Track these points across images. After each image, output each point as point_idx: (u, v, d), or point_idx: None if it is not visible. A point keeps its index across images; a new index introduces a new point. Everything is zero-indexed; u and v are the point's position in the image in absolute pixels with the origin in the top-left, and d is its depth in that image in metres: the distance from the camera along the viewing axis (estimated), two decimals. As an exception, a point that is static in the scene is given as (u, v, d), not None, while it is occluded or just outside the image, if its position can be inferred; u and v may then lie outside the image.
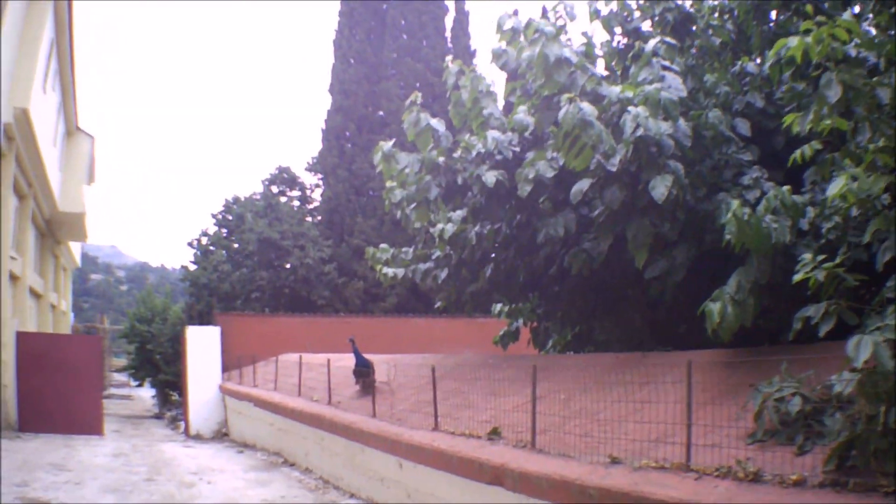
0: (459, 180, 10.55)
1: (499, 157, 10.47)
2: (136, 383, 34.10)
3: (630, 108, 8.25)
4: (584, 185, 8.95)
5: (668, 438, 6.20)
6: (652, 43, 9.54)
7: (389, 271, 14.38)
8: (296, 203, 33.44)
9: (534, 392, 7.43)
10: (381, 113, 33.12)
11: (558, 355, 12.59)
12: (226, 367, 20.89)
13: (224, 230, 30.82)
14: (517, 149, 10.62)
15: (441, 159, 10.72)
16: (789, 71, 8.78)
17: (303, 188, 34.34)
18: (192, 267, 29.76)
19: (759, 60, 10.24)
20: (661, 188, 7.89)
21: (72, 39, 21.69)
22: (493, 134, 10.54)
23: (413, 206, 11.32)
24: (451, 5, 35.31)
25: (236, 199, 31.38)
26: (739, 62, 10.07)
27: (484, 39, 73.06)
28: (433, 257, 14.42)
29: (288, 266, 29.35)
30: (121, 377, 39.04)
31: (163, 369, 26.96)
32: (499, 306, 17.46)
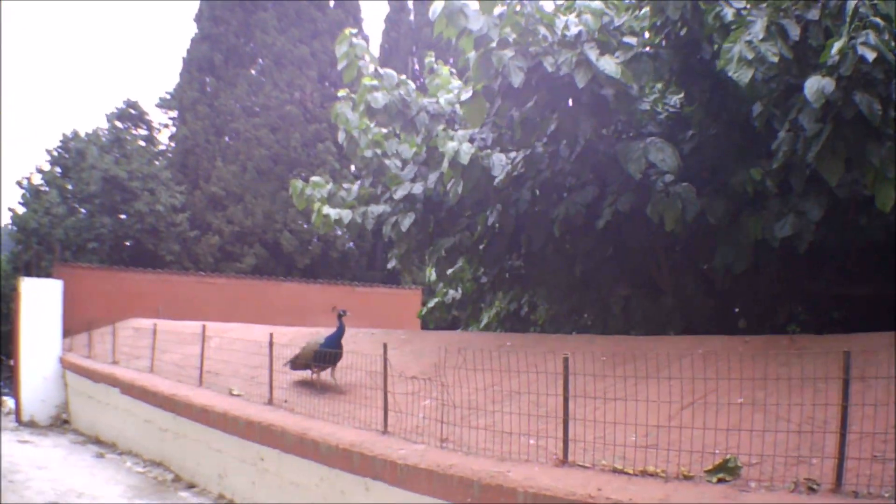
0: (550, 67, 6.37)
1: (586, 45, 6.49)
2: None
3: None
4: (825, 84, 5.23)
5: None
6: None
7: (332, 212, 10.05)
8: (141, 143, 27.60)
9: None
10: (251, 45, 27.94)
11: (562, 335, 8.84)
12: (66, 333, 15.51)
13: (59, 168, 24.69)
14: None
15: (512, 36, 6.48)
16: None
17: (150, 127, 28.48)
18: (21, 210, 23.48)
19: None
20: None
21: None
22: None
23: (468, 97, 7.02)
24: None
25: (76, 134, 25.23)
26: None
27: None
28: (386, 198, 10.31)
29: (133, 213, 23.72)
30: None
31: (-21, 328, 21.25)
32: (434, 271, 13.72)
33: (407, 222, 9.61)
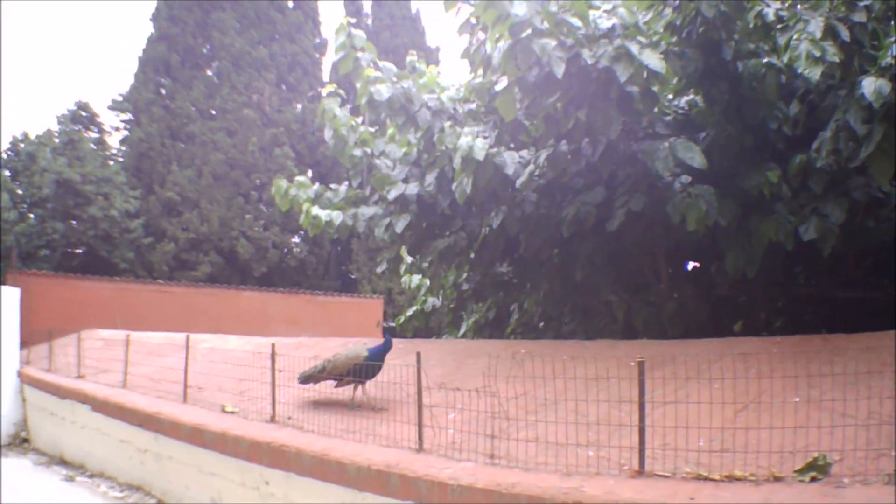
0: (589, 59, 5.99)
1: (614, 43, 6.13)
2: None
3: None
4: (881, 84, 5.38)
5: None
6: None
7: (323, 213, 9.55)
8: (92, 146, 26.53)
9: None
10: (209, 46, 27.11)
11: (579, 341, 8.44)
12: (23, 344, 14.55)
13: (8, 172, 23.52)
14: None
15: (545, 25, 6.07)
16: None
17: (101, 129, 27.39)
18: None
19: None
20: None
21: None
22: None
23: (500, 88, 6.59)
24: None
25: (26, 136, 24.09)
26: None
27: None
28: (375, 200, 9.88)
29: (86, 218, 22.66)
30: None
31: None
32: (416, 278, 13.29)
33: (402, 224, 9.20)
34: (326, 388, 7.56)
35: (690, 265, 9.49)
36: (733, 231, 7.27)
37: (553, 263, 9.22)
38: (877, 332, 5.86)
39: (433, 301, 12.74)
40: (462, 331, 12.07)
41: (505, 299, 11.09)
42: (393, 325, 7.60)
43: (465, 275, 11.24)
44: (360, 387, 7.14)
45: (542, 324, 10.73)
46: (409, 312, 13.09)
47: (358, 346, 7.62)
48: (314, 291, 24.47)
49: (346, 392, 7.42)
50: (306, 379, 7.53)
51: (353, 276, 30.09)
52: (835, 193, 6.67)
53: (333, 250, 30.51)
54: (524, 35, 5.90)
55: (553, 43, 5.91)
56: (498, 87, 6.65)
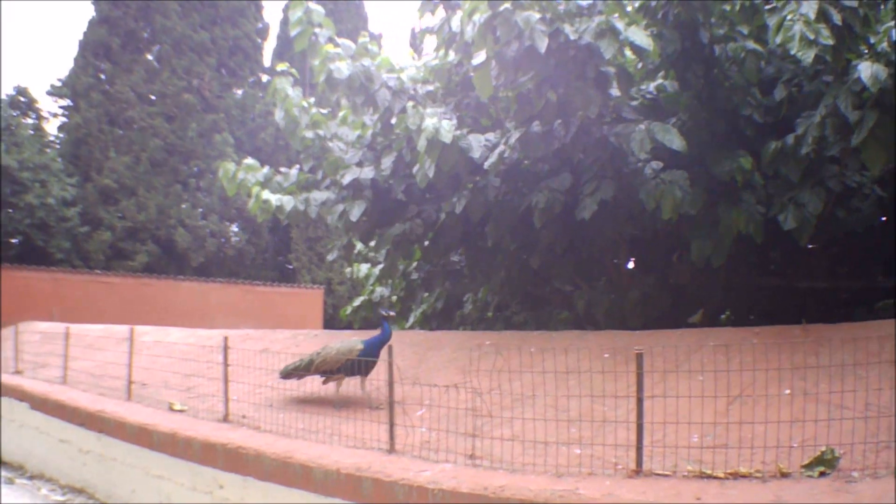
0: (572, 34, 5.58)
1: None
2: None
3: None
4: (877, 70, 5.24)
5: None
6: None
7: (273, 198, 9.01)
8: (30, 132, 25.19)
9: None
10: (149, 30, 25.99)
11: (544, 332, 8.05)
12: (-49, 339, 13.56)
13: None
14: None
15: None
16: None
17: (38, 115, 26.04)
18: None
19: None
20: None
21: None
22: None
23: (477, 62, 6.11)
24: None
25: (-38, 123, 22.74)
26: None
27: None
28: (327, 184, 9.40)
29: (23, 206, 21.47)
30: None
31: None
32: (364, 267, 12.79)
33: (357, 211, 8.70)
34: (283, 385, 7.05)
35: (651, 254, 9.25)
36: (700, 219, 7.04)
37: (510, 251, 8.85)
38: (858, 322, 5.73)
39: (381, 291, 12.27)
40: (410, 321, 11.62)
41: (454, 289, 10.68)
42: (394, 313, 6.97)
43: (414, 264, 10.83)
44: (342, 383, 6.55)
45: (489, 314, 10.40)
46: (357, 303, 12.59)
47: (348, 340, 6.95)
48: (253, 282, 23.74)
49: (302, 389, 6.93)
50: (289, 374, 6.88)
51: (291, 266, 29.27)
52: (811, 182, 6.48)
53: (272, 239, 29.65)
54: (503, 7, 5.48)
55: (537, 16, 5.51)
56: (474, 62, 6.18)
